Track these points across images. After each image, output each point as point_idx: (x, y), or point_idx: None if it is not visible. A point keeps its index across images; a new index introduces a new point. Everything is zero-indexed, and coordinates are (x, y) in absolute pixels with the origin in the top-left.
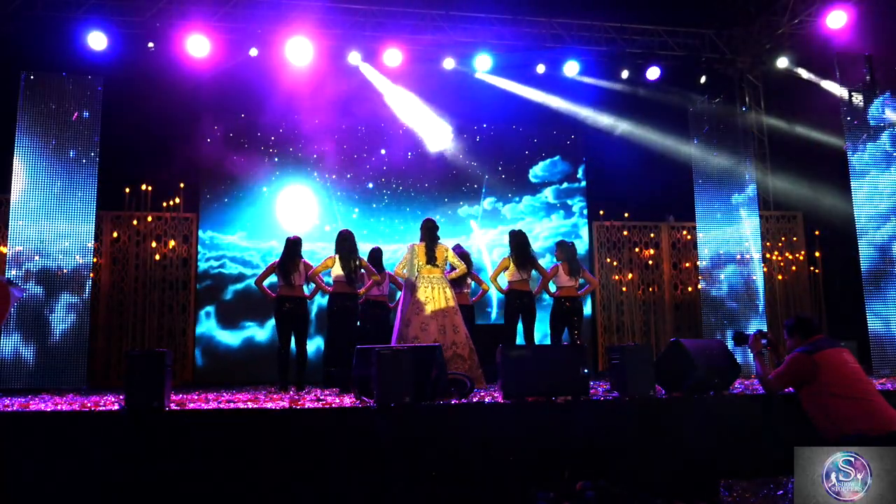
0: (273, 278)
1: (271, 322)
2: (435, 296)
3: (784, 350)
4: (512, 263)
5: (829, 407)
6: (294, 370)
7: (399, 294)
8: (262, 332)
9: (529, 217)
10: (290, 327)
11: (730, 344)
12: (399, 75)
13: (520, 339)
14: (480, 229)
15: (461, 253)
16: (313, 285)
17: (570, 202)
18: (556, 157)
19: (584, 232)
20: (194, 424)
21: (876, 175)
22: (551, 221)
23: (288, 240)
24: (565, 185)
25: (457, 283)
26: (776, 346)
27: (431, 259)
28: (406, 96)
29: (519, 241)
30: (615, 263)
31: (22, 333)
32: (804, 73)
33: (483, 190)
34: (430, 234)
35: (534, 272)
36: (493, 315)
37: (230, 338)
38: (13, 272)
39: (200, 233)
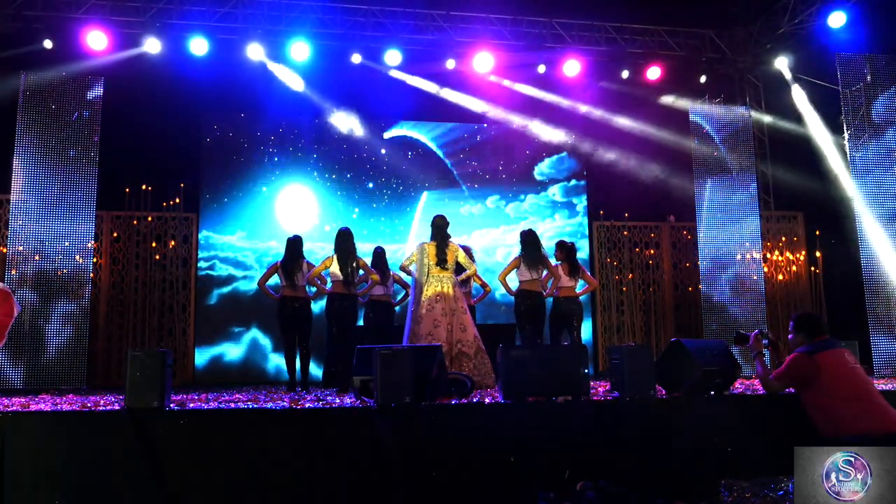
0: (275, 278)
1: (249, 336)
2: (444, 294)
3: (784, 350)
4: (522, 263)
5: (830, 408)
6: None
7: (402, 294)
8: (236, 350)
9: (533, 216)
10: (294, 328)
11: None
12: (399, 75)
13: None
14: (483, 228)
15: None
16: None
17: (575, 201)
18: (563, 154)
19: (589, 231)
20: (194, 424)
21: (877, 175)
22: (555, 221)
23: (289, 240)
24: (573, 182)
25: (461, 283)
26: (776, 347)
27: (442, 262)
28: (406, 96)
29: (530, 241)
30: (615, 263)
31: (22, 334)
32: (805, 74)
33: (484, 189)
34: (440, 233)
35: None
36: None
37: (196, 356)
38: (13, 272)
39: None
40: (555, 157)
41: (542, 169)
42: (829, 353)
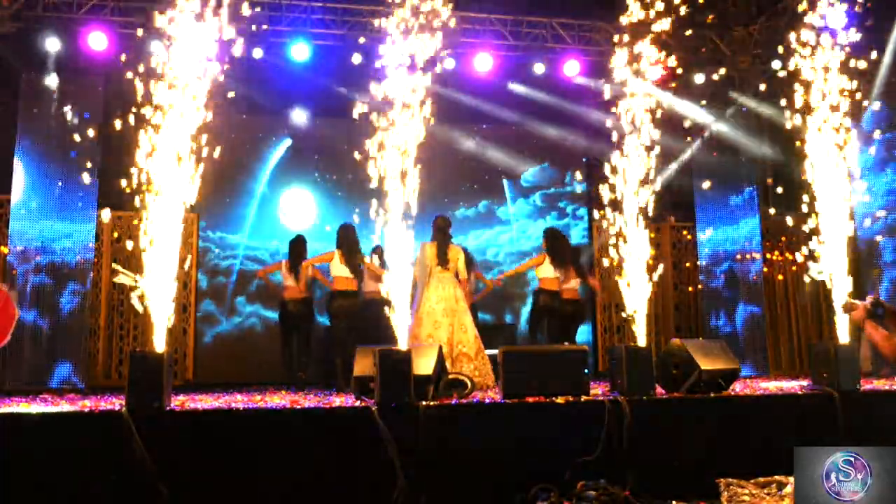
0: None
1: (249, 335)
2: (445, 294)
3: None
4: (548, 261)
5: None
6: (297, 368)
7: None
8: (235, 349)
9: (532, 218)
10: (294, 327)
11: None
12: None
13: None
14: (479, 229)
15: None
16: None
17: (572, 204)
18: (558, 158)
19: (588, 233)
20: (194, 424)
21: (877, 175)
22: (557, 222)
23: (291, 241)
24: (575, 184)
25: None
26: (891, 317)
27: (443, 261)
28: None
29: (557, 239)
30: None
31: (22, 333)
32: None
33: (484, 190)
34: (442, 233)
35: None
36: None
37: (196, 356)
38: (13, 272)
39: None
40: (553, 159)
41: (540, 172)
42: None
